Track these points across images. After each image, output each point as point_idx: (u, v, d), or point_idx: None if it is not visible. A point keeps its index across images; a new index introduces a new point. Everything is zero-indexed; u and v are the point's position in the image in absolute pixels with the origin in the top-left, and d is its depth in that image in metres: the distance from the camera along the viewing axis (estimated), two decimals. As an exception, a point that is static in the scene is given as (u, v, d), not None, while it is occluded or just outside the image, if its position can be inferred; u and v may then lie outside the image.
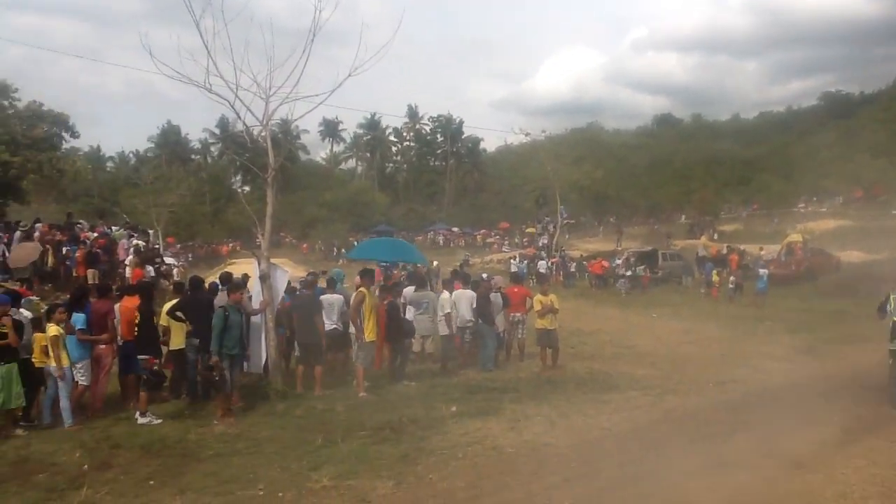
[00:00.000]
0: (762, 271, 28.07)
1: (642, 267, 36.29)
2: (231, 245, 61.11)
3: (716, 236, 53.53)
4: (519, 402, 10.88)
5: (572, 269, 41.43)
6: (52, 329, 9.97)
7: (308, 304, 12.28)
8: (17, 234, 22.75)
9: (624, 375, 12.95)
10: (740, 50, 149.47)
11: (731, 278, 31.05)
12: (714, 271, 31.98)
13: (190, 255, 51.48)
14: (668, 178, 75.83)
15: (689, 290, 33.56)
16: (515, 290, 15.72)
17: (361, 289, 12.08)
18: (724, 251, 37.72)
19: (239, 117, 11.93)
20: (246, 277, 13.33)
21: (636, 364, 14.60)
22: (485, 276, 18.86)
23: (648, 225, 65.31)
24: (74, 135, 32.25)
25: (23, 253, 20.42)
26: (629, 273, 36.71)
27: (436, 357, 14.54)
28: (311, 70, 11.79)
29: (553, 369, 13.69)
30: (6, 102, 29.26)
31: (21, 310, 10.30)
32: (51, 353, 9.87)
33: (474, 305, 14.25)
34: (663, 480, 7.24)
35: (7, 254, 21.38)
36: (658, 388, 11.94)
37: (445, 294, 14.66)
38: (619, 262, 40.05)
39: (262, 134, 12.56)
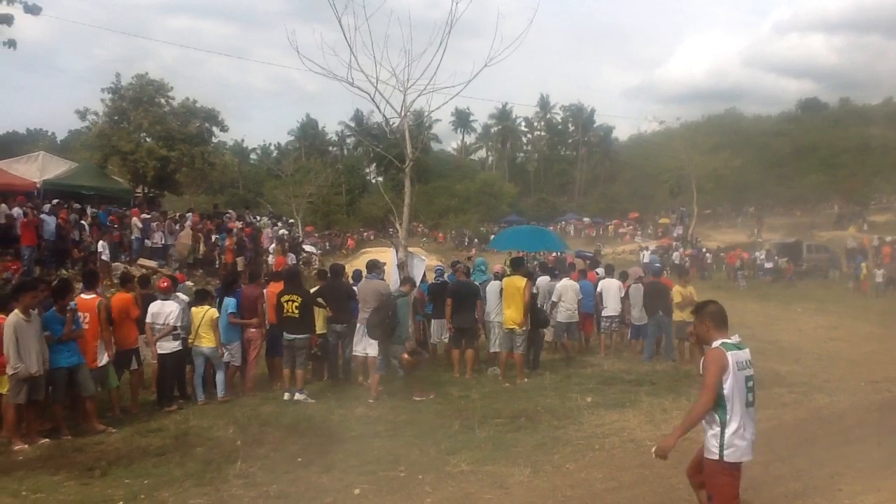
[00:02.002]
0: (919, 264, 26.36)
1: (785, 259, 34.79)
2: (357, 235, 62.65)
3: (865, 227, 50.57)
4: (656, 395, 10.70)
5: (708, 261, 40.26)
6: (212, 311, 10.68)
7: (466, 289, 12.50)
8: (169, 223, 24.36)
9: (767, 371, 12.42)
10: (893, 29, 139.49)
11: (881, 272, 29.35)
12: (863, 264, 30.29)
13: (327, 244, 53.20)
14: (814, 166, 72.09)
15: (836, 283, 31.91)
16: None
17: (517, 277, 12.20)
18: (876, 243, 35.60)
19: (378, 109, 12.27)
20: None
21: (780, 360, 14.03)
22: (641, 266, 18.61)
23: (791, 215, 62.41)
24: (223, 129, 34.09)
25: (182, 244, 21.98)
26: (770, 265, 35.35)
27: (571, 347, 14.53)
28: (444, 62, 11.98)
29: (692, 363, 13.39)
30: (163, 101, 31.22)
31: (179, 294, 11.02)
32: (209, 335, 10.59)
33: (622, 296, 14.36)
34: (811, 481, 6.99)
35: (164, 241, 22.95)
36: (804, 385, 11.47)
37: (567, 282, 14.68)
38: (759, 253, 38.61)
39: (399, 126, 12.86)
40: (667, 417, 9.35)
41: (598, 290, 15.20)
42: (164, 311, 10.53)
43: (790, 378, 12.06)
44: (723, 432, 5.00)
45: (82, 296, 9.88)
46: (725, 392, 4.95)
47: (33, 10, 11.12)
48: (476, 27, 11.86)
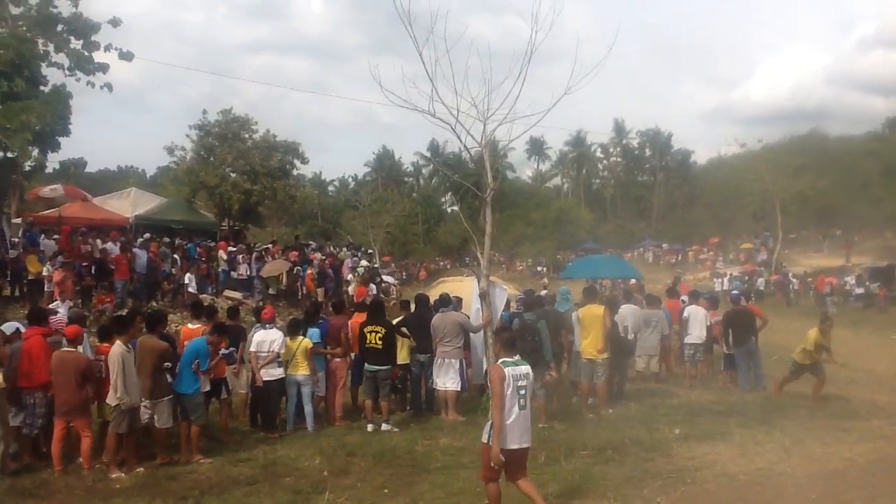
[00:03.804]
0: None
1: (877, 284, 33.41)
2: (433, 265, 62.84)
3: (962, 250, 48.25)
4: (747, 427, 10.36)
5: (795, 287, 38.99)
6: (306, 342, 10.94)
7: (556, 317, 12.40)
8: (255, 255, 25.00)
9: (863, 402, 12.00)
10: None
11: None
12: (960, 290, 28.92)
13: (403, 274, 53.64)
14: (904, 187, 69.11)
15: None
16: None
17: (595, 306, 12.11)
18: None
19: (459, 140, 12.33)
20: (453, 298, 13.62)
21: (876, 390, 13.50)
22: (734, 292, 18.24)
23: (881, 238, 59.95)
24: (304, 161, 34.89)
25: (274, 266, 22.58)
26: (861, 290, 34.03)
27: (660, 377, 14.29)
28: (522, 91, 11.99)
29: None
30: (247, 135, 32.21)
31: (272, 327, 11.26)
32: (304, 363, 10.89)
33: (708, 324, 14.15)
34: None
35: (250, 272, 23.58)
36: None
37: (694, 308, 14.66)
38: (848, 278, 37.20)
39: (479, 154, 12.90)
40: (760, 450, 9.06)
41: (685, 315, 14.93)
42: (269, 338, 10.86)
43: (889, 409, 11.55)
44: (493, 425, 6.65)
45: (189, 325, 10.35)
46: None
47: (127, 57, 11.71)
48: (551, 54, 11.85)
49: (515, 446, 6.71)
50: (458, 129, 12.19)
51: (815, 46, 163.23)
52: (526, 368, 6.89)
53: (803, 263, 49.84)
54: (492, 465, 6.64)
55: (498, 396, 6.61)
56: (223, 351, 10.45)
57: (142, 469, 8.94)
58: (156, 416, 9.35)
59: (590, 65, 12.05)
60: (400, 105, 11.75)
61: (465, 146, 12.67)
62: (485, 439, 6.79)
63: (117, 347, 8.87)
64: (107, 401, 9.04)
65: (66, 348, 9.05)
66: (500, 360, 6.86)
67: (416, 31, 11.99)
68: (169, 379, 9.41)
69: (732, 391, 13.65)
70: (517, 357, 6.96)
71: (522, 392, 6.73)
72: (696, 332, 14.43)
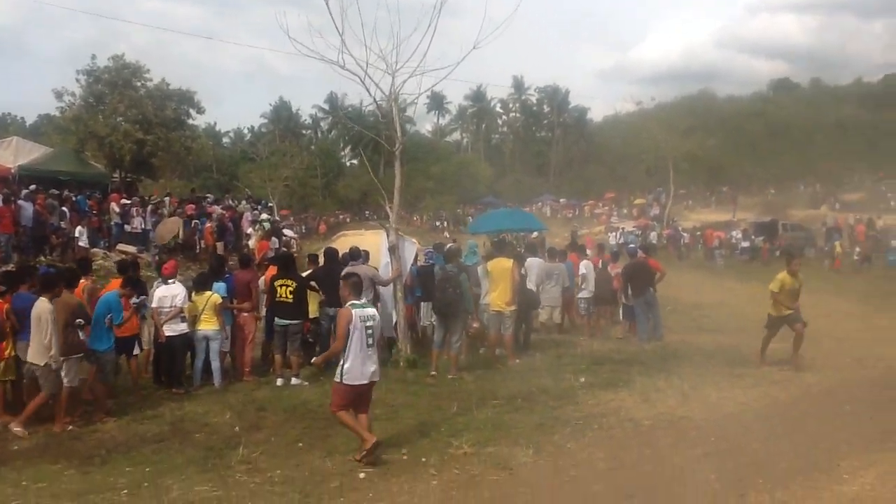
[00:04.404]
0: (894, 243, 26.74)
1: (761, 238, 35.17)
2: (332, 219, 62.19)
3: (837, 206, 51.23)
4: (647, 374, 10.80)
5: (685, 241, 40.61)
6: (215, 297, 10.69)
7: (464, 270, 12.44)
8: (150, 207, 24.11)
9: (753, 349, 12.61)
10: (865, 9, 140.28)
11: (857, 250, 29.83)
12: (837, 243, 30.72)
13: (302, 227, 52.88)
14: (787, 146, 72.63)
15: (812, 262, 32.26)
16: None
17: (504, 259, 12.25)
18: (852, 221, 36.13)
19: (369, 93, 12.17)
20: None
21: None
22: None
23: (764, 195, 63.01)
24: (200, 111, 33.71)
25: (165, 229, 21.69)
26: (747, 244, 35.74)
27: (563, 327, 14.68)
28: (425, 44, 11.89)
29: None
30: (139, 84, 30.75)
31: (174, 281, 10.91)
32: (213, 318, 10.67)
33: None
34: (811, 458, 7.10)
35: (144, 226, 22.73)
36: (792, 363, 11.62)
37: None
38: (735, 233, 39.01)
39: (388, 108, 12.78)
40: (661, 396, 9.47)
41: (583, 271, 15.40)
42: (171, 293, 10.57)
43: (777, 355, 12.18)
44: (342, 364, 7.22)
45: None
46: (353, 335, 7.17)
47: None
48: (455, 8, 11.78)
49: (365, 381, 7.32)
50: (367, 81, 12.10)
51: (706, 10, 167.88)
52: (372, 311, 7.53)
53: (692, 218, 51.90)
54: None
55: (341, 337, 7.21)
56: (134, 300, 10.13)
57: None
58: (65, 374, 8.88)
59: (495, 21, 12.11)
60: (309, 56, 11.57)
61: (374, 99, 12.58)
62: (337, 378, 7.27)
63: (45, 304, 8.44)
64: (30, 360, 8.52)
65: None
66: (349, 303, 7.40)
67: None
68: (82, 336, 9.01)
69: (632, 341, 14.17)
70: (364, 300, 7.72)
71: (370, 332, 7.28)
72: (589, 287, 14.98)
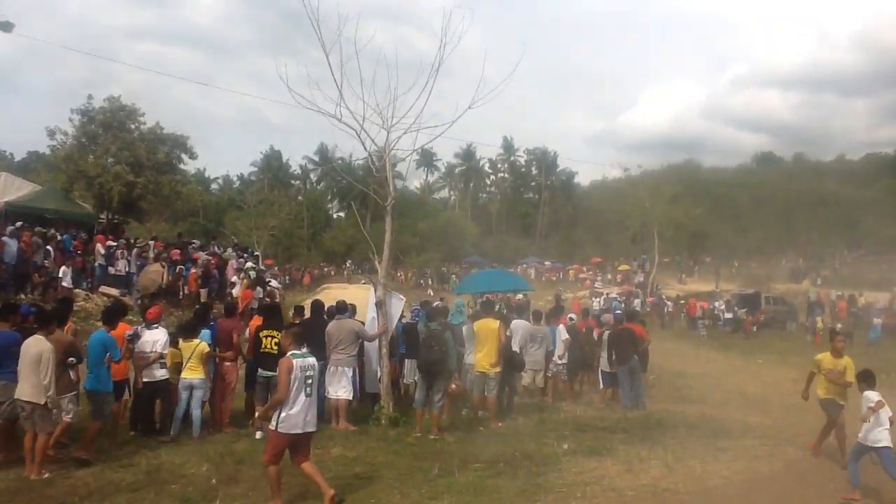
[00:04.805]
0: (876, 320, 26.93)
1: (744, 310, 35.35)
2: (317, 271, 62.03)
3: (819, 281, 51.69)
4: (630, 443, 10.68)
5: (669, 309, 40.75)
6: (203, 345, 10.58)
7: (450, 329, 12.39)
8: (135, 251, 23.96)
9: (737, 422, 12.58)
10: (848, 88, 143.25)
11: (839, 326, 29.96)
12: (819, 318, 30.93)
13: (287, 278, 52.68)
14: (770, 219, 73.63)
15: (794, 335, 32.47)
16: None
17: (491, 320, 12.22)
18: (833, 297, 36.43)
19: (364, 147, 12.27)
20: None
21: (748, 411, 14.21)
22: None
23: (746, 266, 63.54)
24: (192, 156, 33.73)
25: (148, 279, 21.54)
26: (730, 315, 35.89)
27: (545, 391, 14.58)
28: (419, 102, 12.07)
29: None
30: (133, 126, 30.84)
31: (157, 327, 10.82)
32: (199, 367, 10.58)
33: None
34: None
35: (128, 269, 22.56)
36: (775, 437, 11.56)
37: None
38: (718, 303, 39.20)
39: (381, 162, 12.88)
40: (644, 466, 9.34)
41: (564, 336, 15.37)
42: (153, 338, 10.48)
43: (759, 430, 12.16)
44: (280, 412, 7.35)
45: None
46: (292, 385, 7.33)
47: (5, 27, 11.04)
48: (448, 69, 12.00)
49: (300, 431, 7.43)
50: (363, 135, 12.22)
51: (693, 81, 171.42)
52: (312, 360, 7.71)
53: (676, 287, 52.16)
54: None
55: (283, 385, 7.35)
56: (128, 332, 10.20)
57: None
58: (64, 413, 8.90)
59: (490, 82, 12.35)
60: (308, 107, 11.68)
61: (369, 153, 12.68)
62: (273, 426, 7.40)
63: (45, 342, 8.40)
64: (26, 398, 8.34)
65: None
66: (290, 353, 7.56)
67: (314, 35, 11.94)
68: (72, 375, 8.99)
69: (615, 408, 14.08)
70: (305, 350, 7.78)
71: (309, 382, 7.48)
72: (560, 350, 14.93)
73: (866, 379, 9.01)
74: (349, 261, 56.82)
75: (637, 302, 40.31)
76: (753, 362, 23.31)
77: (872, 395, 8.65)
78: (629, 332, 14.72)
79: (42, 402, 8.33)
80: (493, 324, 12.04)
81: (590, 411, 13.61)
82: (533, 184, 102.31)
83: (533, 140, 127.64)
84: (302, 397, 7.39)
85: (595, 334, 15.82)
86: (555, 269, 68.14)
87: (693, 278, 58.85)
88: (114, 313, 10.13)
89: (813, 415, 13.65)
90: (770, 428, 12.35)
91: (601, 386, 15.19)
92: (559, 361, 14.92)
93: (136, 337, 10.46)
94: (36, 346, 8.37)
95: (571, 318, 16.85)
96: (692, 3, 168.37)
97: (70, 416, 9.01)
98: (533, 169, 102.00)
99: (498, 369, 11.88)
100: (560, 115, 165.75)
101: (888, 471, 8.22)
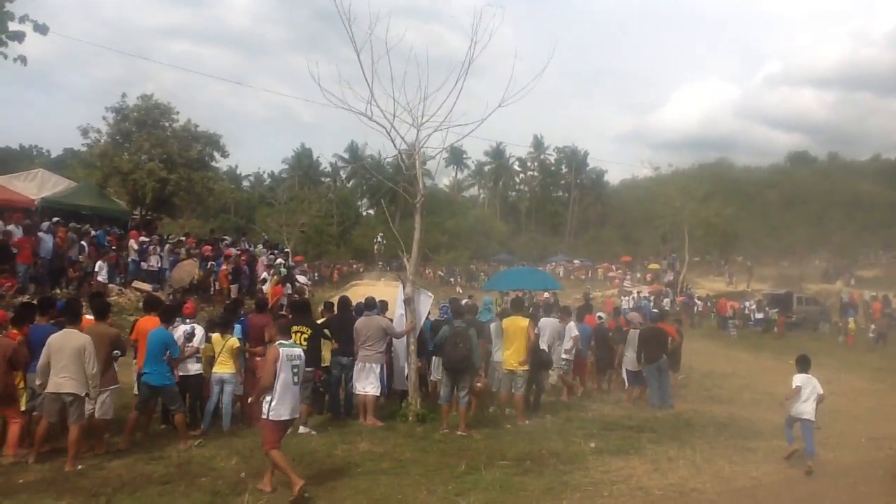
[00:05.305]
0: (911, 322, 26.52)
1: (776, 310, 34.94)
2: (346, 268, 62.34)
3: (853, 282, 50.95)
4: (658, 442, 10.68)
5: (699, 309, 40.41)
6: (233, 340, 10.74)
7: (477, 327, 12.37)
8: (167, 246, 24.27)
9: (767, 423, 12.44)
10: (884, 87, 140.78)
11: (872, 326, 29.61)
12: (851, 319, 30.49)
13: (316, 274, 52.99)
14: (803, 219, 72.65)
15: (826, 336, 32.02)
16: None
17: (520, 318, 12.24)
18: (867, 297, 35.90)
19: (394, 145, 12.33)
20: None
21: (778, 411, 13.96)
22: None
23: (778, 266, 62.78)
24: (224, 154, 34.03)
25: (183, 273, 21.77)
26: (761, 315, 35.52)
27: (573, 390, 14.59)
28: (447, 100, 12.10)
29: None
30: (167, 124, 31.21)
31: (193, 322, 10.98)
32: (230, 361, 10.73)
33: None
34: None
35: (161, 264, 22.86)
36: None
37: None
38: (749, 303, 38.79)
39: (412, 160, 12.93)
40: (672, 466, 9.33)
41: (574, 332, 15.24)
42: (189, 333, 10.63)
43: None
44: (270, 401, 7.68)
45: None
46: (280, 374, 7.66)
47: (42, 30, 11.18)
48: (477, 68, 12.03)
49: (289, 417, 7.89)
50: (393, 133, 12.28)
51: (726, 80, 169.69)
52: (299, 351, 8.13)
53: (706, 287, 51.72)
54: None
55: (269, 373, 7.70)
56: (186, 329, 10.50)
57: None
58: (98, 406, 9.05)
59: (520, 81, 12.35)
60: (339, 106, 11.76)
61: (399, 151, 12.74)
62: (264, 415, 7.74)
63: (84, 336, 8.58)
64: (66, 391, 8.44)
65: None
66: (277, 342, 7.96)
67: (346, 33, 12.03)
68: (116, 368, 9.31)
69: (643, 407, 14.03)
70: (291, 340, 8.31)
71: (295, 371, 7.85)
72: (567, 346, 14.76)
73: (800, 363, 10.47)
74: (380, 234, 56.82)
75: (667, 301, 40.02)
76: (784, 363, 22.95)
77: (796, 379, 10.13)
78: (660, 331, 14.67)
79: (83, 394, 8.48)
80: (522, 322, 12.04)
81: (617, 410, 13.61)
82: (562, 182, 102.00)
83: (563, 138, 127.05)
84: (289, 385, 7.77)
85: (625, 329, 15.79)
86: (584, 268, 67.86)
87: (724, 278, 58.27)
88: (172, 312, 10.51)
89: (845, 416, 13.63)
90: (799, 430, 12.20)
91: (626, 385, 15.13)
92: (564, 356, 14.71)
93: (192, 335, 10.62)
94: (78, 339, 8.51)
95: (600, 317, 16.81)
96: (726, 1, 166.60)
97: (108, 414, 9.22)
98: (563, 167, 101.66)
99: (526, 367, 11.88)
100: (591, 113, 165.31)
101: (806, 440, 9.71)
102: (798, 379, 10.13)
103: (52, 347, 8.44)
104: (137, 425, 9.93)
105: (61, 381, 8.39)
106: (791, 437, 10.15)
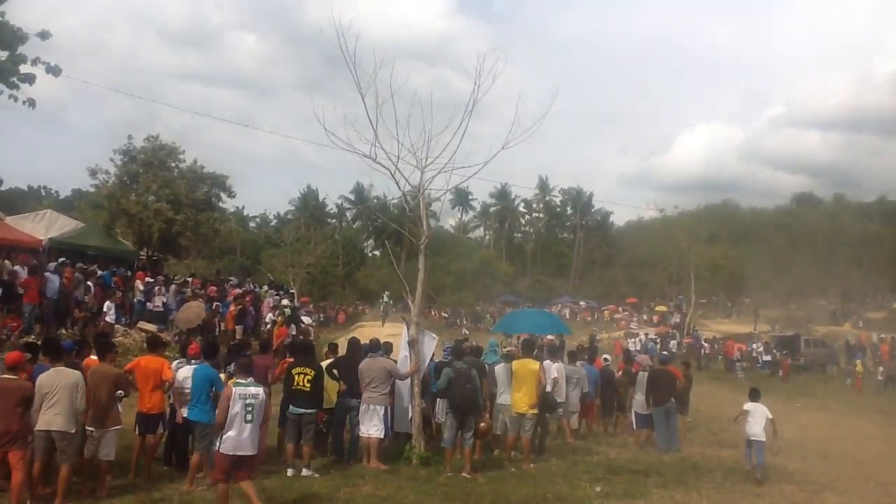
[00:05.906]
0: (920, 364, 26.34)
1: (784, 352, 34.73)
2: (352, 309, 62.23)
3: (861, 324, 50.70)
4: (665, 487, 10.57)
5: (706, 351, 40.19)
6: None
7: (479, 368, 12.30)
8: (173, 287, 24.34)
9: (774, 468, 12.30)
10: (889, 128, 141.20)
11: (881, 369, 29.40)
12: (858, 361, 30.30)
13: (321, 316, 52.87)
14: (809, 260, 72.44)
15: (834, 379, 31.78)
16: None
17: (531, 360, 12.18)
18: (875, 340, 35.69)
19: (399, 187, 12.42)
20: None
21: (785, 456, 13.86)
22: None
23: (786, 308, 62.51)
24: (231, 195, 34.29)
25: (190, 313, 21.79)
26: (768, 358, 35.31)
27: (579, 433, 14.46)
28: (451, 142, 12.22)
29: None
30: (174, 164, 31.51)
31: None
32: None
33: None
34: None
35: (166, 303, 22.91)
36: (814, 484, 11.32)
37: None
38: (756, 345, 38.59)
39: (416, 202, 13.00)
40: (679, 511, 9.22)
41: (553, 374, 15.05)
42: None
43: (798, 476, 11.93)
44: (221, 435, 8.08)
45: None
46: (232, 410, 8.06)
47: (55, 71, 11.34)
48: (481, 110, 12.17)
49: (240, 453, 8.10)
50: (397, 175, 12.37)
51: (730, 122, 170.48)
52: (256, 390, 8.35)
53: (713, 328, 51.46)
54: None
55: (221, 409, 8.11)
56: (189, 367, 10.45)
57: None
58: (101, 447, 8.98)
59: (525, 123, 12.47)
60: (344, 149, 11.86)
61: (403, 192, 12.82)
62: (216, 447, 8.15)
63: (75, 372, 8.65)
64: (56, 428, 8.31)
65: (6, 375, 8.39)
66: (234, 381, 8.43)
67: (351, 76, 12.17)
68: (120, 408, 9.32)
69: (649, 451, 13.89)
70: (250, 380, 8.47)
71: (249, 409, 8.15)
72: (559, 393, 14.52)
73: (751, 394, 12.43)
74: (387, 293, 56.93)
75: (673, 343, 39.84)
76: (792, 406, 22.80)
77: (745, 406, 12.12)
78: (669, 373, 14.58)
79: (73, 431, 8.42)
80: (533, 364, 11.95)
81: (624, 453, 13.48)
82: (568, 223, 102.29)
83: (568, 179, 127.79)
84: (240, 422, 8.07)
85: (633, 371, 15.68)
86: (590, 310, 67.69)
87: (731, 319, 58.02)
88: (214, 349, 11.06)
89: (852, 460, 13.48)
90: (808, 474, 12.10)
91: (634, 428, 14.98)
92: (558, 400, 14.43)
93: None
94: (70, 376, 8.48)
95: (606, 360, 16.73)
96: (730, 45, 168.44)
97: (110, 455, 9.09)
98: (568, 208, 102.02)
99: (535, 410, 11.80)
100: (596, 154, 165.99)
101: (758, 456, 11.55)
102: (747, 406, 12.02)
103: (43, 387, 8.34)
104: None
105: (52, 418, 8.29)
106: (750, 456, 11.73)
